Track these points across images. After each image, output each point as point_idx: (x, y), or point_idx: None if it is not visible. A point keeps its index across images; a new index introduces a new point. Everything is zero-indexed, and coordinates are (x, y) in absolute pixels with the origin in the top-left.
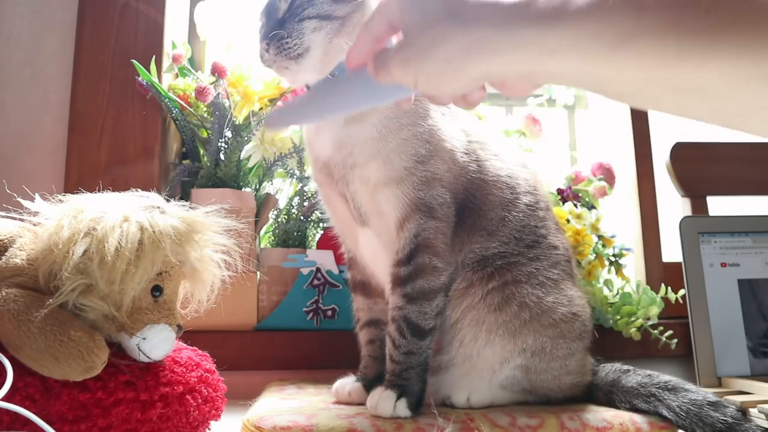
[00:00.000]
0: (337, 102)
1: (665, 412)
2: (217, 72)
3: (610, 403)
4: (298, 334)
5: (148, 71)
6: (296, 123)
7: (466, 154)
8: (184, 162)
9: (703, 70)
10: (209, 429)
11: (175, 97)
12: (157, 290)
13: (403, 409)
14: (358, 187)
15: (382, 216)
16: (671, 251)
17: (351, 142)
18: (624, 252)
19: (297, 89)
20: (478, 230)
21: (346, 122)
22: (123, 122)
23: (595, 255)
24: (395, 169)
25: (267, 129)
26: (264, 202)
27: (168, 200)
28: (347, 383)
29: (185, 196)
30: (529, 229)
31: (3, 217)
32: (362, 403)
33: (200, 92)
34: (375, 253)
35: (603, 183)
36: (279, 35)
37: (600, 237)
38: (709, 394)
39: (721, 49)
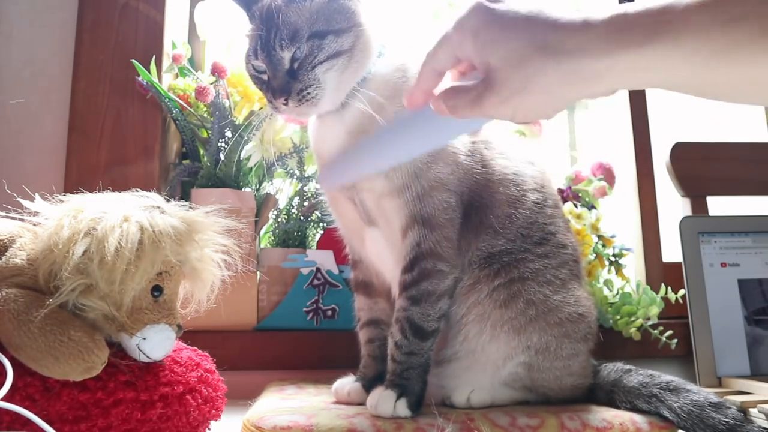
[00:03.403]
0: (402, 147)
1: (666, 413)
2: (217, 72)
3: (611, 403)
4: (298, 334)
5: (148, 71)
6: (353, 179)
7: (469, 155)
8: (184, 162)
9: None
10: (209, 429)
11: (175, 97)
12: (157, 290)
13: (403, 408)
14: (366, 195)
15: (388, 221)
16: (671, 251)
17: None
18: (624, 252)
19: None
20: (484, 228)
21: (349, 137)
22: (123, 122)
23: (595, 255)
24: (395, 183)
25: (321, 187)
26: (264, 202)
27: (168, 200)
28: (346, 383)
29: (185, 196)
30: (536, 226)
31: (3, 217)
32: (362, 403)
33: (200, 92)
34: (381, 252)
35: (603, 183)
36: (296, 88)
37: (600, 237)
38: (710, 395)
39: None
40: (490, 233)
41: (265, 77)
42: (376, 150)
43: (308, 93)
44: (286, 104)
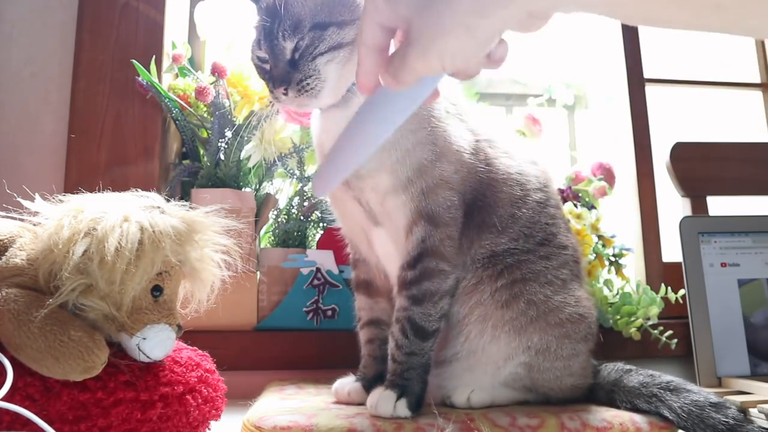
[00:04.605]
0: (370, 135)
1: (667, 413)
2: (217, 72)
3: (612, 403)
4: (298, 334)
5: (148, 71)
6: (341, 179)
7: (473, 153)
8: (184, 162)
9: None
10: (209, 429)
11: (175, 97)
12: (157, 290)
13: (402, 409)
14: (370, 194)
15: (392, 220)
16: (671, 251)
17: None
18: (624, 252)
19: None
20: (487, 227)
21: None
22: (123, 122)
23: (595, 255)
24: (400, 179)
25: (316, 195)
26: (264, 202)
27: (168, 200)
28: (346, 383)
29: (185, 196)
30: (539, 227)
31: (3, 217)
32: (362, 403)
33: (200, 92)
34: (388, 252)
35: (603, 183)
36: (296, 78)
37: (600, 237)
38: (710, 395)
39: None
40: (493, 232)
41: (267, 67)
42: (354, 143)
43: (308, 83)
44: (285, 94)
